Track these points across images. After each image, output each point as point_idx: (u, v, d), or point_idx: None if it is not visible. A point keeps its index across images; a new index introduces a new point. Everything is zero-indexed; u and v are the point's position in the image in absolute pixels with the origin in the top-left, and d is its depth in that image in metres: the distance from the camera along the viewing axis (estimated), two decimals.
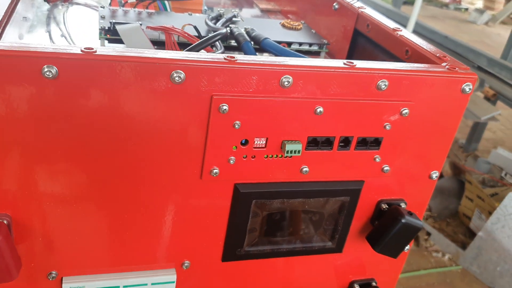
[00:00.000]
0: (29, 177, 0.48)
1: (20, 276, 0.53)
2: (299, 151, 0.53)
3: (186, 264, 0.59)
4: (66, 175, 0.49)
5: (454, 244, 2.09)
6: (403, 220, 0.59)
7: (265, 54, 0.72)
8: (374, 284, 0.69)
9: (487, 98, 2.66)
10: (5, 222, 0.48)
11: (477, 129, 2.76)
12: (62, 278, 0.55)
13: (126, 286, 0.57)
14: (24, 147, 0.46)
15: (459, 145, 2.87)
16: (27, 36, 0.72)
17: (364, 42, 0.77)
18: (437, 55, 0.61)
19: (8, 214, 0.49)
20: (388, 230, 0.60)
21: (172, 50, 0.67)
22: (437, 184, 2.40)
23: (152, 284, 0.57)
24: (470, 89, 0.57)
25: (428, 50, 0.62)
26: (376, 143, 0.57)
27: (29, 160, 0.47)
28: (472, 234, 2.13)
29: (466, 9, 6.68)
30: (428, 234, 2.15)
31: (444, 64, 0.58)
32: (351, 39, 0.78)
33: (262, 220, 0.59)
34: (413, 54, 0.64)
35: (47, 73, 0.43)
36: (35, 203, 0.50)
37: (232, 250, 0.59)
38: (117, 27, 0.68)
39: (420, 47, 0.63)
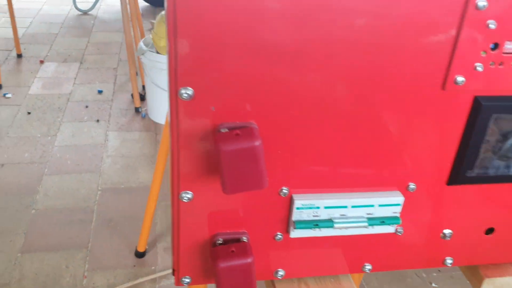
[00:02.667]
0: (279, 84, 0.47)
1: (262, 194, 0.53)
2: None
3: (411, 186, 0.56)
4: (311, 83, 0.48)
5: None
6: None
7: None
8: None
9: None
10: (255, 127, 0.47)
11: None
12: (292, 195, 0.54)
13: (354, 206, 0.55)
14: (276, 48, 0.45)
15: None
16: None
17: None
18: None
19: (254, 122, 0.49)
20: None
21: None
22: None
23: (380, 205, 0.55)
24: None
25: None
26: None
27: (280, 61, 0.46)
28: None
29: None
30: None
31: None
32: None
33: (497, 140, 0.54)
34: None
35: None
36: (279, 114, 0.49)
37: (461, 173, 0.55)
38: None
39: None
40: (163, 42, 2.10)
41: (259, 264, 0.58)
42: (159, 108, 2.27)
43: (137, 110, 2.39)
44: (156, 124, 2.31)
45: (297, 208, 0.54)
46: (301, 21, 0.44)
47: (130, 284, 1.50)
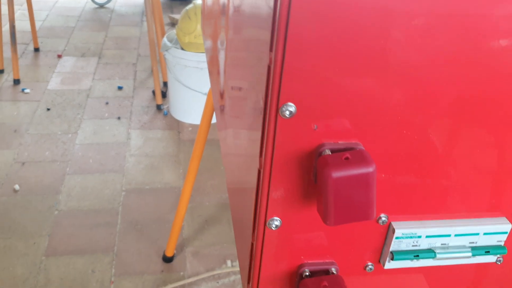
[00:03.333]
0: (390, 102, 0.41)
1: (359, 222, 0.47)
2: None
3: None
4: (427, 103, 0.42)
5: None
6: None
7: None
8: None
9: None
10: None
11: None
12: (391, 223, 0.48)
13: (458, 234, 0.49)
14: (393, 63, 0.39)
15: None
16: None
17: None
18: None
19: (359, 143, 0.43)
20: None
21: None
22: None
23: (484, 234, 0.49)
24: None
25: None
26: None
27: (395, 78, 0.40)
28: None
29: None
30: None
31: None
32: None
33: None
34: None
35: None
36: (386, 133, 0.43)
37: None
38: None
39: None
40: (187, 39, 2.04)
41: None
42: (182, 105, 2.21)
43: (158, 107, 2.33)
44: (178, 122, 2.25)
45: (397, 238, 0.48)
46: (429, 39, 0.38)
47: None
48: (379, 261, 0.50)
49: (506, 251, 0.50)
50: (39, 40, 2.99)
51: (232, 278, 1.53)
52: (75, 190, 1.82)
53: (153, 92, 2.43)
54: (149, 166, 1.96)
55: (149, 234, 1.64)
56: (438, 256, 0.48)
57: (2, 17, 2.97)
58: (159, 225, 1.68)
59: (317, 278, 0.47)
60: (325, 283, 0.46)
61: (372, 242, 0.49)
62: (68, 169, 1.92)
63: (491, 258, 0.51)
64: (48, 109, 2.30)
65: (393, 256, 0.48)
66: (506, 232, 0.50)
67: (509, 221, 0.50)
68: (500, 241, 0.50)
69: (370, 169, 0.39)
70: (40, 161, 1.96)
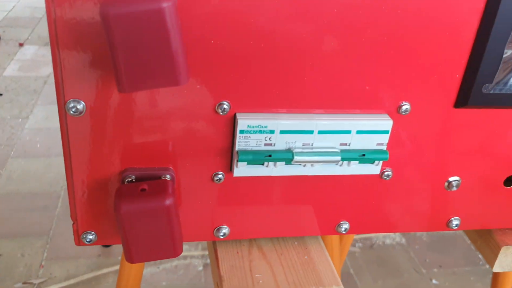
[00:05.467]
0: None
1: (193, 109, 0.37)
2: None
3: (404, 107, 0.40)
4: None
5: None
6: None
7: None
8: None
9: None
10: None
11: None
12: (235, 114, 0.38)
13: (323, 131, 0.39)
14: None
15: None
16: None
17: None
18: None
19: None
20: None
21: None
22: None
23: (358, 132, 0.39)
24: None
25: None
26: None
27: None
28: None
29: None
30: None
31: None
32: None
33: None
34: None
35: None
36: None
37: (474, 89, 0.39)
38: None
39: None
40: None
41: (194, 218, 0.42)
42: None
43: None
44: None
45: (242, 132, 0.37)
46: None
47: (91, 274, 1.34)
48: (230, 169, 0.40)
49: (387, 156, 0.40)
50: (1, 29, 2.89)
51: (175, 263, 1.42)
52: (16, 173, 1.70)
53: None
54: None
55: None
56: (296, 158, 0.38)
57: None
58: None
59: (136, 183, 0.37)
60: (145, 186, 0.36)
61: (217, 142, 0.39)
62: (12, 153, 1.81)
63: (373, 169, 0.41)
64: (0, 95, 2.19)
65: (238, 156, 0.38)
66: (387, 131, 0.40)
67: (391, 118, 0.40)
68: (381, 144, 0.40)
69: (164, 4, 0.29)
70: None
